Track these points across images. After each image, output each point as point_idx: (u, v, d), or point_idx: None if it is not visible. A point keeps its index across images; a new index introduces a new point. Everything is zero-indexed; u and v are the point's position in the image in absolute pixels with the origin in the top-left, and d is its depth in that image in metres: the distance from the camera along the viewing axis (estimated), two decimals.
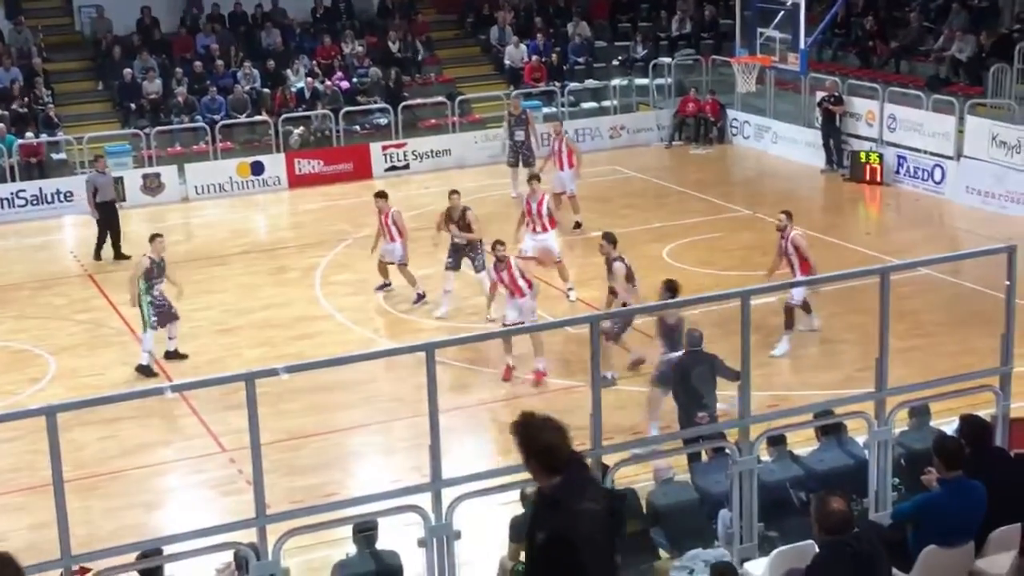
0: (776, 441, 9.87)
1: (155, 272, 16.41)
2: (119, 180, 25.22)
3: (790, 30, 22.30)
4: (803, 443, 10.58)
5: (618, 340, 15.09)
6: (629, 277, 15.43)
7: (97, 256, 21.59)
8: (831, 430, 10.00)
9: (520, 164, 23.84)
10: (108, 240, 21.65)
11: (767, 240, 19.82)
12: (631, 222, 22.28)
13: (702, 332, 12.61)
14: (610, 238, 15.68)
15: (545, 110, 29.21)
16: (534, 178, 19.16)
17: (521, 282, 15.59)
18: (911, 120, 24.46)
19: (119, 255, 21.43)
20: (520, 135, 23.76)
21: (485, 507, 8.83)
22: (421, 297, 18.32)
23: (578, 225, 21.71)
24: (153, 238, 16.71)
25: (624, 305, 15.05)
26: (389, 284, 18.89)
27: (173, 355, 16.69)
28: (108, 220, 21.65)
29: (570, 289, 18.29)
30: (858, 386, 12.47)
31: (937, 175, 23.67)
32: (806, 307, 16.30)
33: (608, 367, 14.28)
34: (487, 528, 9.67)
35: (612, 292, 15.69)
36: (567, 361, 15.67)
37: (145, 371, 16.22)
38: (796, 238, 15.97)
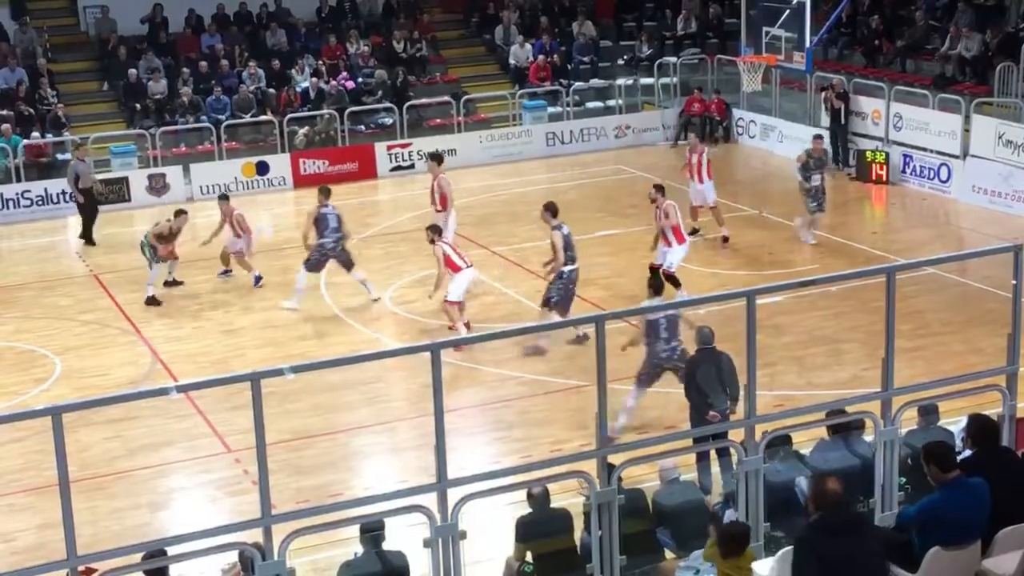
0: (781, 441, 9.84)
1: (167, 237, 19.06)
2: (124, 180, 25.38)
3: (796, 29, 22.27)
4: (809, 443, 10.55)
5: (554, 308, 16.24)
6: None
7: (89, 241, 22.81)
8: (838, 429, 9.97)
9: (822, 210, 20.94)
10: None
11: (774, 239, 19.87)
12: (636, 222, 22.25)
13: (712, 329, 12.57)
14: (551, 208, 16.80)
15: (550, 109, 29.22)
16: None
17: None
18: (917, 119, 24.44)
19: (89, 240, 22.84)
20: (817, 179, 20.84)
21: (491, 507, 8.82)
22: (258, 279, 19.75)
23: (726, 239, 20.84)
24: (179, 213, 19.56)
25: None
26: (230, 271, 20.23)
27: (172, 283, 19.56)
28: (89, 205, 22.92)
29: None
30: (864, 386, 12.47)
31: (943, 174, 23.64)
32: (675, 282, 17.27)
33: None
34: (493, 528, 9.66)
35: None
36: (572, 360, 15.65)
37: (153, 302, 18.92)
38: (667, 207, 17.65)
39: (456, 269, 16.67)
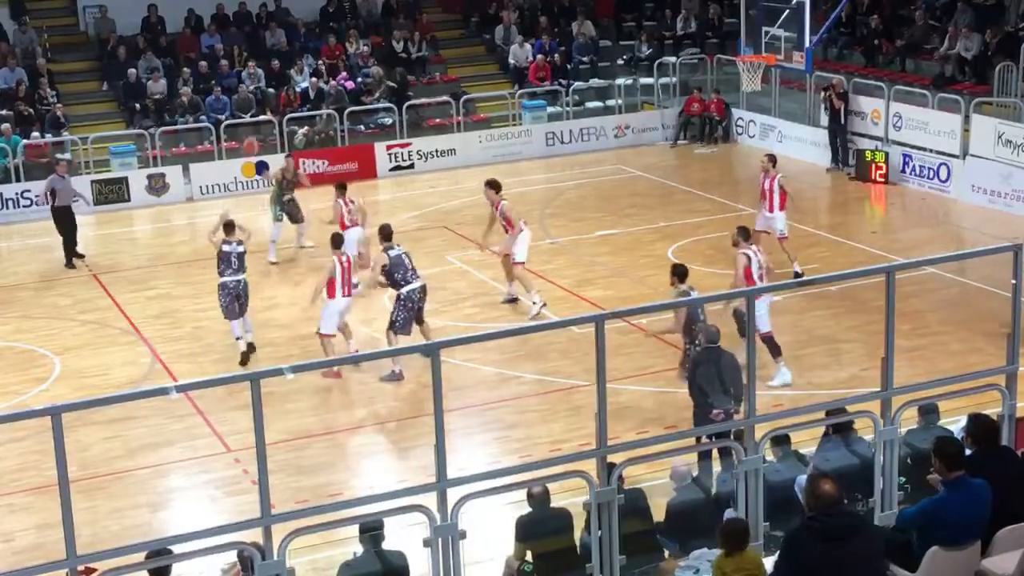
0: (780, 441, 9.85)
1: (221, 260, 16.52)
2: (123, 180, 25.38)
3: (795, 28, 22.24)
4: (809, 443, 10.55)
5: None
6: None
7: (71, 263, 21.29)
8: (837, 428, 9.98)
9: None
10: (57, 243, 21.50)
11: (773, 239, 19.79)
12: (636, 221, 22.29)
13: (719, 328, 12.52)
14: None
15: (550, 109, 29.22)
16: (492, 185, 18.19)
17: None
18: (917, 119, 24.44)
19: (70, 263, 21.29)
20: None
21: (491, 507, 8.82)
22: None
23: (798, 275, 18.10)
24: (228, 230, 16.76)
25: None
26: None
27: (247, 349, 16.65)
28: (64, 224, 21.45)
29: (533, 303, 17.74)
30: (864, 385, 12.48)
31: (943, 174, 23.64)
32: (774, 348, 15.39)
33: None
34: (493, 528, 9.66)
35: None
36: (572, 360, 15.65)
37: (243, 357, 16.42)
38: (738, 256, 15.16)
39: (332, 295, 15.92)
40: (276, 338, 17.47)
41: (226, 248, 16.62)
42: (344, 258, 16.02)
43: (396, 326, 15.81)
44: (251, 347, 16.68)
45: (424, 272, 18.74)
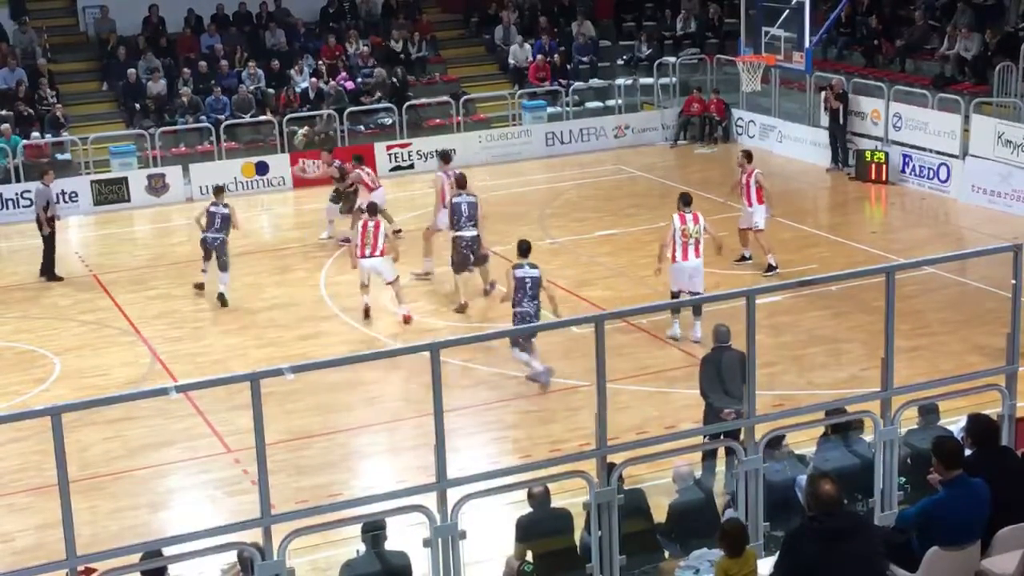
0: (774, 443, 9.82)
1: (207, 217, 18.95)
2: (123, 180, 25.40)
3: (795, 29, 22.26)
4: (810, 443, 10.55)
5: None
6: None
7: (51, 275, 20.57)
8: (838, 429, 9.98)
9: None
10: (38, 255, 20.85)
11: (773, 240, 19.84)
12: (636, 221, 22.27)
13: (728, 328, 12.48)
14: None
15: (550, 109, 29.22)
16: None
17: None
18: (917, 119, 24.44)
19: (52, 275, 20.62)
20: None
21: (491, 507, 8.82)
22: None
23: (771, 268, 18.97)
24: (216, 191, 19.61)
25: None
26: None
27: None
28: (53, 234, 20.70)
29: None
30: (864, 385, 12.47)
31: (943, 174, 23.64)
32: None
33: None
34: (493, 528, 9.66)
35: None
36: (572, 361, 15.63)
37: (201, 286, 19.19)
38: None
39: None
40: (277, 338, 17.47)
41: (212, 209, 18.98)
42: (372, 222, 17.59)
43: (452, 265, 17.98)
44: (221, 297, 18.78)
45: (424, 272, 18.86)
